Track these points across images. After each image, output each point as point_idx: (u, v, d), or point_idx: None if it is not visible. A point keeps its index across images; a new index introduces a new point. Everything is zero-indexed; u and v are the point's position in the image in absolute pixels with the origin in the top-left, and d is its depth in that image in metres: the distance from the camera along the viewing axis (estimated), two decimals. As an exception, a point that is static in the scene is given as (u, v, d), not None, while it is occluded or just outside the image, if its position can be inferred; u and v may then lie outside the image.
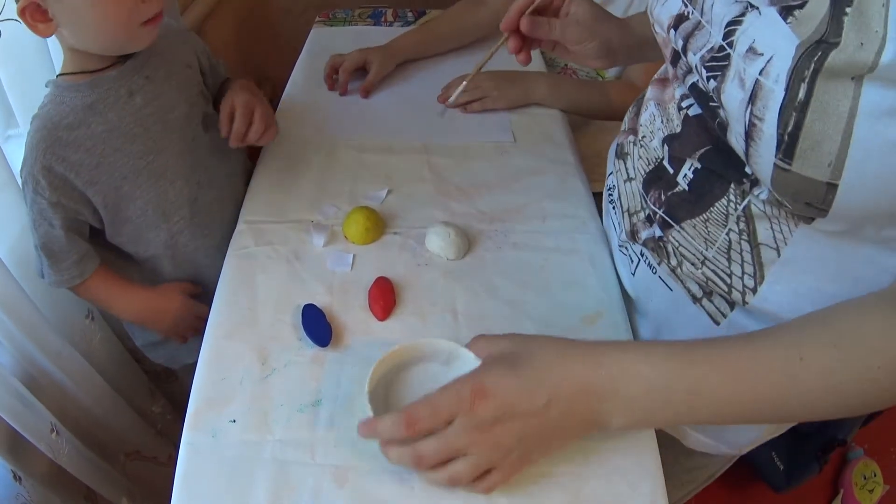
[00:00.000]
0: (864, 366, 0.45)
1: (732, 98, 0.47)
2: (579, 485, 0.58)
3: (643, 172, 0.64)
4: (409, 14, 1.37)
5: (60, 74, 0.76)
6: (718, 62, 0.49)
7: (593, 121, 1.18)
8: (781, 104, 0.42)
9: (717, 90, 0.48)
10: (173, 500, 0.57)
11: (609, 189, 0.77)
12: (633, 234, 0.66)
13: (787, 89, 0.42)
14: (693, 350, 0.50)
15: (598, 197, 0.93)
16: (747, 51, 0.45)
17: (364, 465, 0.59)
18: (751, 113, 0.45)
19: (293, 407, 0.64)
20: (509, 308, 0.74)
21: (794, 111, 0.42)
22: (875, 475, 1.43)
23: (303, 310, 0.71)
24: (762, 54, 0.44)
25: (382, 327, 0.71)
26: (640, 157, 0.65)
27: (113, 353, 0.99)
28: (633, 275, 0.69)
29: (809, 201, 0.45)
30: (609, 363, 0.51)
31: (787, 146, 0.43)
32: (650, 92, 0.67)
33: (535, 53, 1.22)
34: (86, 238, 0.82)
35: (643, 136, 0.65)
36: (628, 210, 0.67)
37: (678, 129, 0.58)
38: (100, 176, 0.77)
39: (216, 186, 0.88)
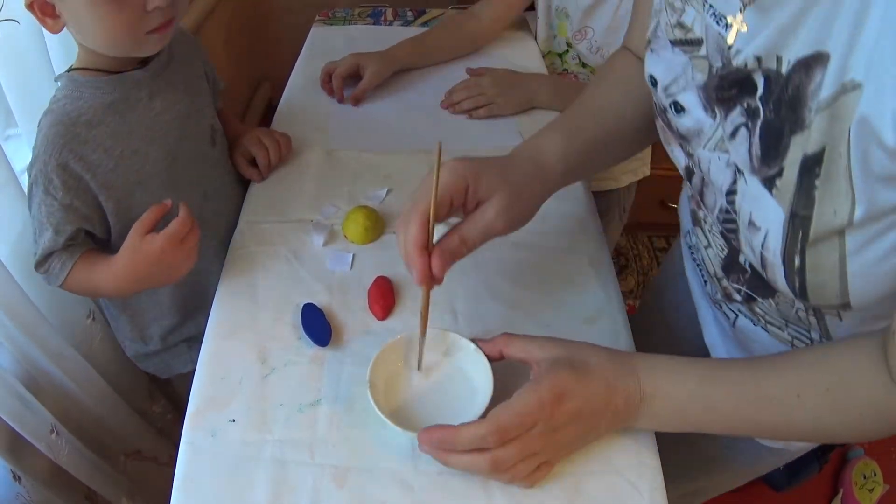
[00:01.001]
0: (851, 410, 0.51)
1: (749, 257, 0.53)
2: (579, 484, 0.58)
3: (720, 258, 0.65)
4: (409, 13, 1.37)
5: (76, 68, 0.73)
6: (730, 224, 0.55)
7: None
8: (784, 274, 0.49)
9: (738, 247, 0.55)
10: (173, 500, 0.57)
11: (690, 248, 0.76)
12: (728, 297, 0.66)
13: (784, 263, 0.48)
14: (714, 376, 0.56)
15: (597, 196, 0.93)
16: (749, 223, 0.51)
17: (363, 465, 0.59)
18: (766, 274, 0.52)
19: (293, 407, 0.64)
20: (509, 308, 0.74)
21: (796, 276, 0.48)
22: (875, 475, 1.43)
23: (302, 309, 0.71)
24: (760, 228, 0.50)
25: (382, 327, 0.71)
26: (711, 244, 0.66)
27: (113, 353, 0.99)
28: (734, 326, 0.69)
29: (836, 311, 0.54)
30: (648, 380, 0.56)
31: (801, 296, 0.50)
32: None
33: (535, 55, 1.22)
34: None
35: (711, 227, 0.65)
36: (715, 275, 0.67)
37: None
38: (116, 180, 0.74)
39: (218, 198, 0.88)
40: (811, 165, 0.44)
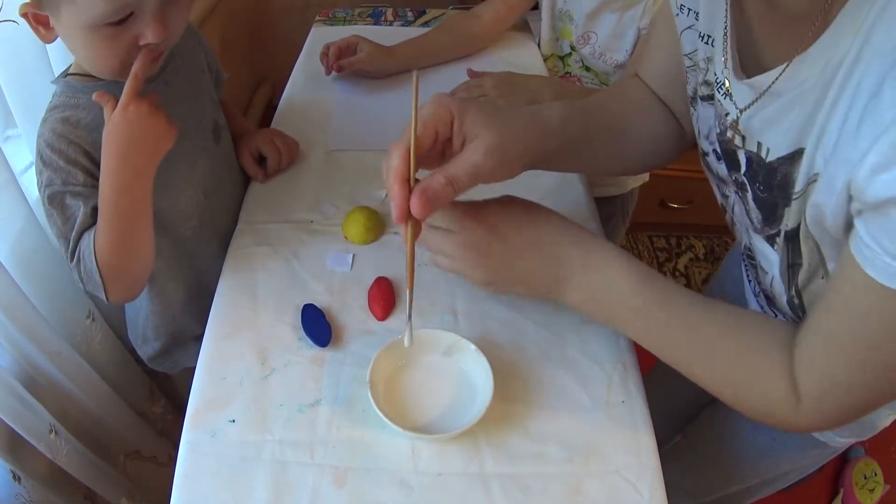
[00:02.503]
0: (753, 388, 0.55)
1: (765, 289, 0.64)
2: (579, 484, 0.58)
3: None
4: (409, 13, 1.37)
5: (71, 74, 0.72)
6: (751, 259, 0.64)
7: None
8: (787, 304, 0.59)
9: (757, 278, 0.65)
10: (173, 501, 0.57)
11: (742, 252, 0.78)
12: (770, 301, 0.68)
13: (787, 299, 0.59)
14: (652, 302, 0.58)
15: (601, 202, 0.93)
16: (759, 267, 0.61)
17: (363, 465, 0.59)
18: (776, 306, 0.62)
19: (293, 407, 0.64)
20: (509, 308, 0.74)
21: (798, 309, 0.58)
22: (875, 474, 1.43)
23: (302, 310, 0.71)
24: (767, 273, 0.60)
25: (382, 327, 0.71)
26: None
27: (113, 353, 0.99)
28: None
29: None
30: (596, 266, 0.60)
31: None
32: None
33: (536, 57, 1.22)
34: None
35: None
36: (756, 278, 0.70)
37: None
38: None
39: (223, 195, 0.87)
40: (793, 236, 0.53)
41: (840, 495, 1.43)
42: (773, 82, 0.49)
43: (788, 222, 0.53)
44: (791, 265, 0.55)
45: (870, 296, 0.44)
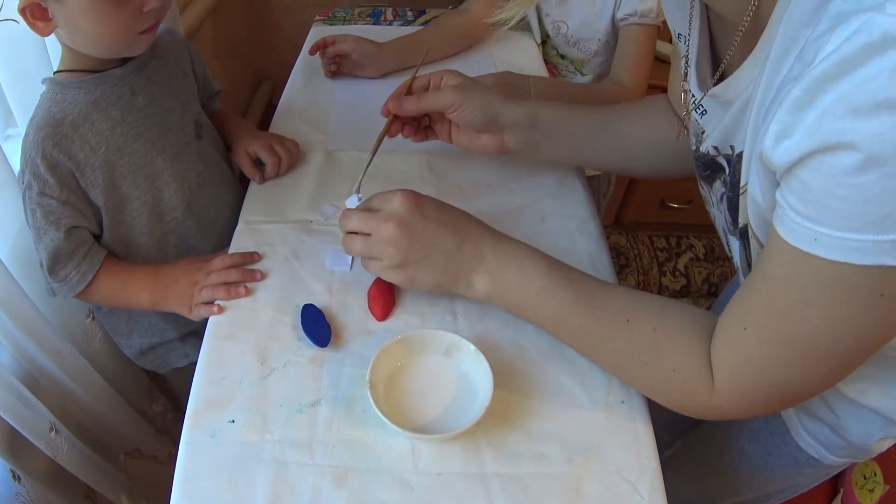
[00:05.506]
0: (665, 361, 0.56)
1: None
2: (579, 484, 0.58)
3: None
4: (409, 13, 1.37)
5: (58, 71, 0.75)
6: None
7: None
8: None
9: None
10: (172, 501, 0.57)
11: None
12: None
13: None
14: (555, 286, 0.62)
15: (591, 180, 0.93)
16: (738, 268, 0.64)
17: (363, 465, 0.59)
18: None
19: (292, 407, 0.64)
20: (509, 308, 0.73)
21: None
22: (875, 474, 1.43)
23: (302, 310, 0.71)
24: (738, 270, 0.63)
25: (381, 327, 0.71)
26: None
27: (113, 352, 0.99)
28: None
29: None
30: (500, 261, 0.64)
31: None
32: None
33: (535, 55, 1.22)
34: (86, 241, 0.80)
35: None
36: None
37: None
38: (102, 176, 0.76)
39: (209, 192, 0.88)
40: (744, 233, 0.55)
41: (840, 495, 1.43)
42: (726, 91, 0.53)
43: (741, 219, 0.55)
44: (749, 264, 0.57)
45: (781, 258, 0.45)
